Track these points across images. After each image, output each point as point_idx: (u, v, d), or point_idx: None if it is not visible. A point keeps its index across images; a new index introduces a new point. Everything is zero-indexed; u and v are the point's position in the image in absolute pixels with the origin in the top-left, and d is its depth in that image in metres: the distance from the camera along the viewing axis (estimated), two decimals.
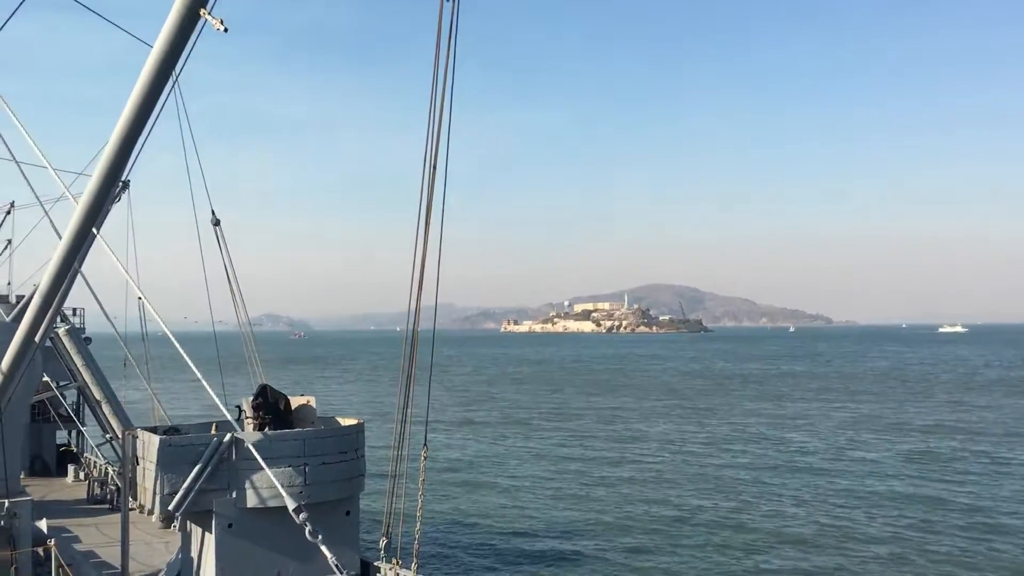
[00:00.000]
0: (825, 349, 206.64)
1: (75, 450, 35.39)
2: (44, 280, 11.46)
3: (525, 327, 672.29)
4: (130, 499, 27.44)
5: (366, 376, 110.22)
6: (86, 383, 31.88)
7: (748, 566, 23.40)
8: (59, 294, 12.78)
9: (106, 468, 30.34)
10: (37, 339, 12.15)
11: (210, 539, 14.53)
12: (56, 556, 12.64)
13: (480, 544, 26.29)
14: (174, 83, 10.78)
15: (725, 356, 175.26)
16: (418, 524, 14.33)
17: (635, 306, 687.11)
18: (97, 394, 31.99)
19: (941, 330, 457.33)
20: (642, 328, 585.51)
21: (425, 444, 14.16)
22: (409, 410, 14.06)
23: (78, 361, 31.07)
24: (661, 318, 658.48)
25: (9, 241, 37.93)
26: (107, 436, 32.41)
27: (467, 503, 32.08)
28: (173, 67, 10.19)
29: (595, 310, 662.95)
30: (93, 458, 32.57)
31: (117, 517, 25.89)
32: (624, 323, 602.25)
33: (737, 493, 33.20)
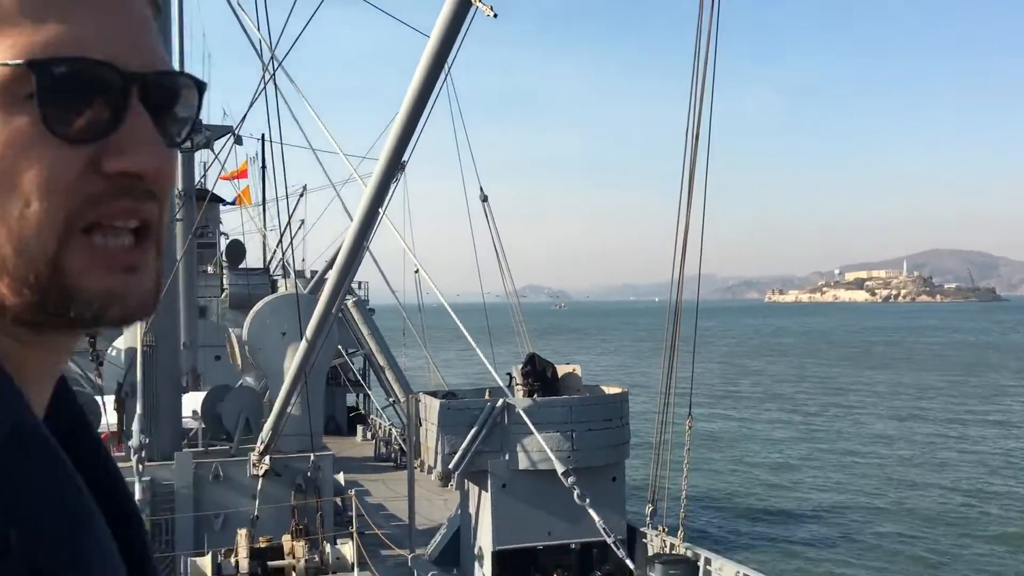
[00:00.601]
0: None
1: (362, 412, 38.53)
2: (340, 256, 12.64)
3: (791, 297, 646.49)
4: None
5: (626, 347, 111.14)
6: (371, 351, 34.59)
7: None
8: (351, 270, 13.98)
9: (390, 429, 32.84)
10: (334, 310, 13.50)
11: (486, 497, 15.44)
12: (356, 505, 14.00)
13: (744, 518, 25.92)
14: (447, 71, 11.45)
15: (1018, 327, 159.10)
16: (683, 493, 14.44)
17: (915, 273, 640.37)
18: (381, 361, 34.62)
19: None
20: (924, 297, 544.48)
21: (690, 414, 14.23)
22: (673, 379, 14.16)
23: (364, 330, 33.72)
24: (946, 286, 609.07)
25: (302, 221, 41.78)
26: (390, 400, 34.97)
27: (731, 476, 31.65)
28: (447, 56, 10.82)
29: (869, 278, 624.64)
30: (378, 420, 35.41)
31: (401, 474, 28.13)
32: (902, 292, 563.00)
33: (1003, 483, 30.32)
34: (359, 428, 35.97)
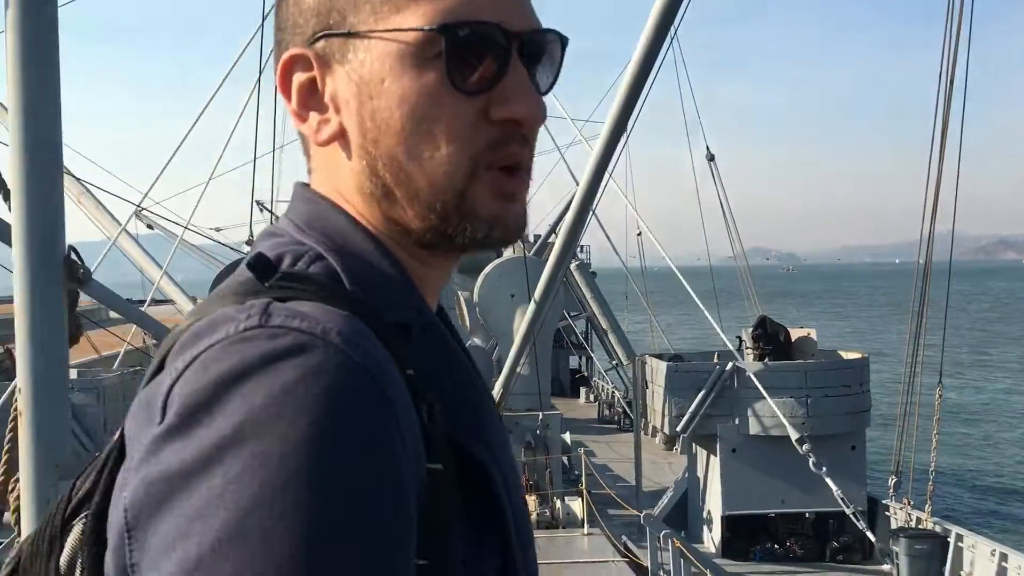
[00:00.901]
0: None
1: (585, 374, 38.84)
2: (567, 219, 12.79)
3: None
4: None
5: (864, 312, 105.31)
6: (594, 314, 34.80)
7: None
8: (578, 233, 14.08)
9: (612, 392, 32.94)
10: (561, 273, 13.67)
11: (715, 462, 15.20)
12: (586, 463, 14.20)
13: (995, 497, 24.02)
14: (675, 29, 11.17)
15: None
16: (932, 465, 13.55)
17: None
18: (604, 324, 34.76)
19: None
20: None
21: (940, 381, 13.30)
22: (921, 345, 13.29)
23: (587, 293, 33.95)
24: None
25: None
26: (613, 362, 35.05)
27: (981, 452, 29.38)
28: (676, 12, 10.54)
29: None
30: (601, 383, 35.61)
31: (624, 436, 28.22)
32: None
33: None
34: (582, 390, 36.28)
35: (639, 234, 33.06)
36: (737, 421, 14.80)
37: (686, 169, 23.37)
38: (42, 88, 2.28)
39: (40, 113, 2.25)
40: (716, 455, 15.06)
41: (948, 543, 12.84)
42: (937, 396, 13.27)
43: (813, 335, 16.36)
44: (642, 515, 11.80)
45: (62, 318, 2.11)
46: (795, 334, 16.37)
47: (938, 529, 13.30)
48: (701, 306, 14.71)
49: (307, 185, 0.90)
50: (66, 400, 2.19)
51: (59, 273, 2.11)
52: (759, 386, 14.17)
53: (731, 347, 15.24)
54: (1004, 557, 11.82)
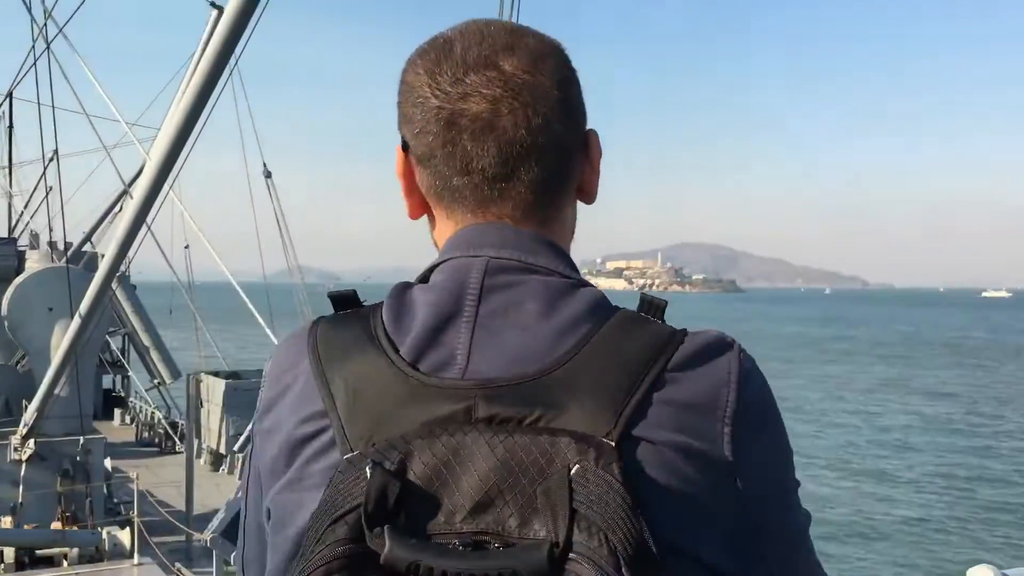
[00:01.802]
0: (859, 312, 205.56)
1: (121, 395, 36.22)
2: (121, 229, 11.98)
3: None
4: (179, 442, 28.43)
5: None
6: (135, 329, 32.66)
7: None
8: (131, 243, 13.27)
9: (153, 413, 31.18)
10: (113, 284, 12.68)
11: None
12: (137, 487, 13.24)
13: None
14: (244, 44, 11.01)
15: (754, 317, 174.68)
16: None
17: (668, 265, 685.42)
18: (146, 340, 32.78)
19: (985, 295, 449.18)
20: (675, 287, 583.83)
21: None
22: None
23: (127, 308, 31.78)
24: (694, 277, 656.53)
25: (50, 188, 38.41)
26: (155, 382, 33.19)
27: None
28: (246, 26, 10.41)
29: (627, 268, 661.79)
30: (139, 403, 33.48)
31: (166, 459, 26.83)
32: (657, 282, 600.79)
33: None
34: (117, 412, 33.81)
35: (187, 247, 31.81)
36: None
37: (243, 184, 23.07)
38: None
39: None
40: None
41: None
42: None
43: None
44: (208, 538, 11.36)
45: None
46: None
47: None
48: (262, 322, 14.60)
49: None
50: None
51: None
52: None
53: None
54: None
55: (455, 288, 0.96)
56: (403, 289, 1.00)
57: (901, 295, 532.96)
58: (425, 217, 1.09)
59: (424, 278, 1.01)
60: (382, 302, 0.99)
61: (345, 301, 1.01)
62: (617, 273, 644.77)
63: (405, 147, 1.05)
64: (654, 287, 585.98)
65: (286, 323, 18.32)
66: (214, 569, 11.19)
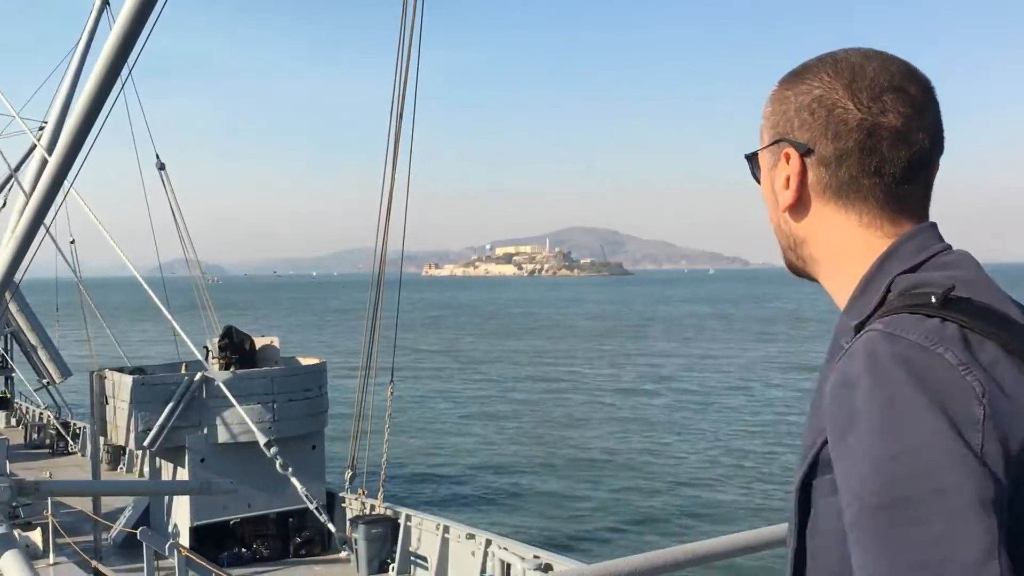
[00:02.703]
0: (745, 292, 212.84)
1: (7, 395, 34.88)
2: (20, 227, 11.81)
3: (447, 271, 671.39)
4: (71, 442, 27.63)
5: (320, 321, 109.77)
6: (20, 328, 31.53)
7: (659, 502, 25.00)
8: (30, 242, 13.05)
9: (43, 413, 30.25)
10: (15, 281, 12.46)
11: (182, 474, 15.14)
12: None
13: (442, 479, 27.43)
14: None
15: (638, 299, 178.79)
16: (384, 456, 15.20)
17: (556, 249, 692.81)
18: (32, 339, 31.69)
19: None
20: (564, 271, 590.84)
21: (392, 380, 14.98)
22: (375, 349, 14.79)
23: (12, 307, 30.61)
24: (582, 261, 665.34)
25: None
26: (43, 381, 32.12)
27: (428, 441, 33.19)
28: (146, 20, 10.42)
29: (517, 253, 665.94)
30: (27, 404, 32.40)
31: (60, 460, 26.17)
32: (546, 267, 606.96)
33: (651, 430, 34.93)
34: (1, 414, 32.61)
35: (72, 241, 30.85)
36: (206, 431, 14.94)
37: (136, 177, 22.62)
38: None
39: None
40: (184, 467, 15.03)
41: (399, 524, 14.56)
42: (389, 395, 14.96)
43: (276, 343, 17.16)
44: (139, 532, 11.36)
45: None
46: (259, 342, 17.00)
47: (389, 513, 14.98)
48: (169, 316, 14.53)
49: None
50: None
51: None
52: (228, 394, 14.48)
53: (200, 356, 15.31)
54: (447, 529, 13.84)
55: (987, 280, 1.20)
56: (949, 278, 1.17)
57: (780, 273, 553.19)
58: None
59: (931, 266, 1.22)
60: (954, 294, 1.13)
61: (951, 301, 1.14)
62: (507, 259, 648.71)
63: (803, 150, 1.28)
64: (543, 272, 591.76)
65: (187, 317, 18.20)
66: (145, 561, 11.25)
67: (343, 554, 15.04)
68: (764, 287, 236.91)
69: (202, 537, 15.08)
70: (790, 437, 32.65)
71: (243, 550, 15.44)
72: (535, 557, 11.36)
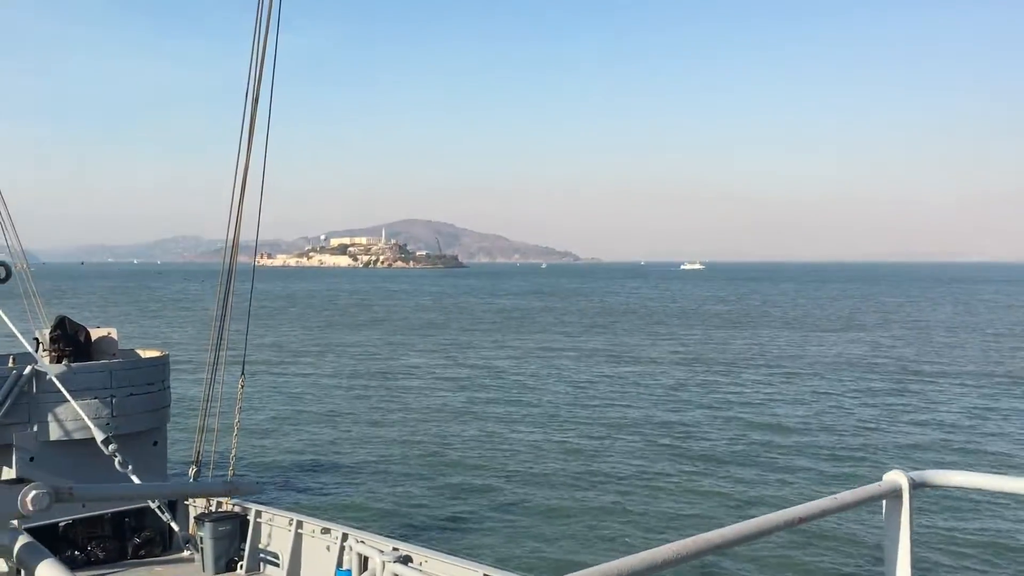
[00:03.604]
0: (575, 285, 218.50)
1: None
2: None
3: (279, 261, 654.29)
4: None
5: (101, 311, 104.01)
6: None
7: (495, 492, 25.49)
8: None
9: None
10: None
11: (8, 473, 14.13)
12: None
13: (296, 471, 26.85)
14: None
15: (473, 291, 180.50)
16: (233, 450, 14.71)
17: (392, 241, 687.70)
18: None
19: (683, 267, 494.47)
20: (399, 263, 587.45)
21: (243, 372, 14.52)
22: (225, 339, 14.31)
23: None
24: (418, 253, 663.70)
25: None
26: None
27: (281, 432, 32.30)
28: None
29: (352, 244, 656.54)
30: None
31: None
32: (381, 258, 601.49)
33: (477, 423, 35.52)
34: None
35: None
36: (36, 428, 14.01)
37: None
38: None
39: None
40: (11, 467, 14.03)
41: (248, 520, 14.12)
42: (240, 386, 14.48)
43: (114, 334, 16.27)
44: None
45: None
46: (95, 334, 16.07)
47: (237, 509, 14.50)
48: None
49: None
50: None
51: None
52: (62, 388, 13.65)
53: (30, 348, 14.32)
54: (300, 524, 13.53)
55: None
56: None
57: (608, 268, 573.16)
58: None
59: None
60: None
61: None
62: (342, 250, 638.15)
63: None
64: (379, 264, 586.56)
65: (13, 306, 16.99)
66: None
67: (186, 553, 14.46)
68: (594, 281, 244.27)
69: None
70: (612, 428, 33.93)
71: (77, 553, 14.56)
72: (394, 549, 11.32)
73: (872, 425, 34.79)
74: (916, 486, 3.30)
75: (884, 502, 3.29)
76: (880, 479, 3.31)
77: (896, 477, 3.30)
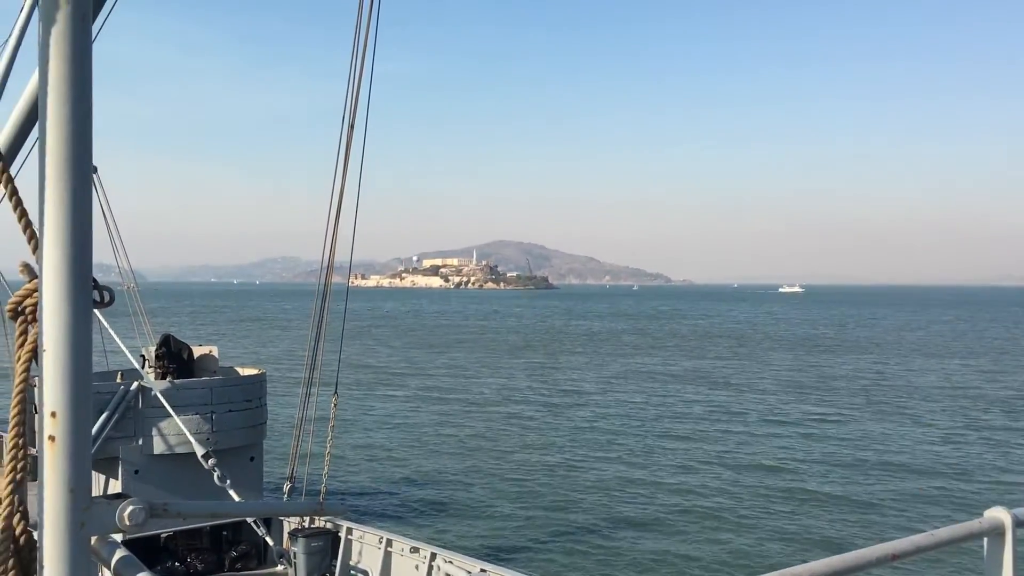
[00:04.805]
0: (666, 308, 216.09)
1: None
2: None
3: (373, 282, 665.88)
4: None
5: (205, 330, 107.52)
6: None
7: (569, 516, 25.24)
8: None
9: None
10: None
11: (115, 486, 14.69)
12: None
13: (385, 491, 27.25)
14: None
15: (563, 313, 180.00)
16: (325, 468, 14.97)
17: (483, 262, 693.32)
18: None
19: (781, 290, 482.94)
20: (490, 284, 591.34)
21: (336, 392, 14.78)
22: (319, 360, 14.58)
23: None
24: (508, 275, 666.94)
25: None
26: None
27: (372, 453, 32.85)
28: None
29: (443, 265, 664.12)
30: None
31: None
32: (472, 279, 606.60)
33: (563, 448, 35.31)
34: None
35: None
36: (141, 441, 14.55)
37: None
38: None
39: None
40: (117, 478, 14.59)
41: (339, 537, 14.36)
42: (332, 406, 14.74)
43: (215, 352, 16.81)
44: None
45: (89, 342, 2.15)
46: (198, 352, 16.63)
47: (329, 526, 14.76)
48: (106, 324, 14.11)
49: None
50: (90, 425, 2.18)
51: (89, 298, 2.15)
52: (166, 404, 14.16)
53: (136, 365, 14.90)
54: (389, 543, 13.70)
55: None
56: None
57: (700, 290, 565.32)
58: None
59: None
60: None
61: None
62: (433, 271, 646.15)
63: None
64: (471, 284, 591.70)
65: (119, 325, 17.71)
66: None
67: (280, 568, 14.78)
68: (686, 303, 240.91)
69: (133, 552, 14.65)
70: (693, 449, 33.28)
71: (176, 564, 15.04)
72: (482, 571, 11.36)
73: (978, 459, 33.31)
74: (1020, 524, 3.15)
75: (985, 540, 3.12)
76: (982, 516, 3.16)
77: (998, 514, 3.16)
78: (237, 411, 15.24)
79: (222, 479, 13.96)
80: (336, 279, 15.93)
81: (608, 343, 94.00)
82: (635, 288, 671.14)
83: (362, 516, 21.21)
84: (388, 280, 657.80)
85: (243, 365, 18.38)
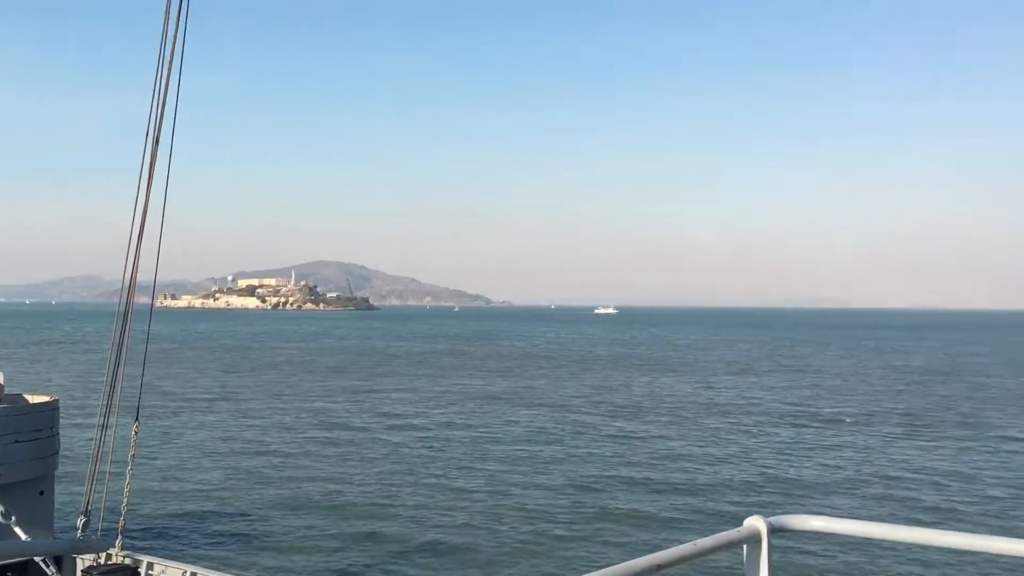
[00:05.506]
0: (487, 328, 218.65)
1: None
2: None
3: (184, 302, 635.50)
4: None
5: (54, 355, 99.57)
6: None
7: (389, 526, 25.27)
8: None
9: None
10: None
11: None
12: None
13: (192, 519, 25.99)
14: None
15: (384, 335, 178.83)
16: (124, 500, 14.21)
17: (302, 283, 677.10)
18: None
19: (597, 311, 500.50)
20: (309, 305, 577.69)
21: (137, 418, 14.08)
22: (119, 386, 13.88)
23: None
24: (328, 295, 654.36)
25: None
26: None
27: (176, 481, 31.21)
28: None
29: (260, 286, 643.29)
30: None
31: None
32: (291, 300, 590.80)
33: (372, 469, 35.29)
34: None
35: None
36: None
37: None
38: None
39: None
40: None
41: (139, 573, 13.62)
42: (133, 433, 14.04)
43: (0, 378, 15.61)
44: None
45: None
46: None
47: (128, 561, 13.97)
48: None
49: None
50: None
51: None
52: None
53: None
54: (193, 575, 13.13)
55: None
56: None
57: (520, 312, 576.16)
58: None
59: None
60: None
61: None
62: (250, 291, 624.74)
63: None
64: (289, 305, 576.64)
65: None
66: None
67: None
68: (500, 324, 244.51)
69: None
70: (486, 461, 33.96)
71: None
72: None
73: (755, 469, 35.65)
74: (775, 531, 3.33)
75: (744, 547, 3.32)
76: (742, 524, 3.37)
77: (755, 523, 3.33)
78: (25, 441, 14.22)
79: (6, 515, 13.00)
80: (143, 299, 15.22)
81: (427, 364, 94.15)
82: (456, 309, 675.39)
83: (166, 549, 20.19)
84: (201, 300, 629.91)
85: (33, 391, 17.16)
